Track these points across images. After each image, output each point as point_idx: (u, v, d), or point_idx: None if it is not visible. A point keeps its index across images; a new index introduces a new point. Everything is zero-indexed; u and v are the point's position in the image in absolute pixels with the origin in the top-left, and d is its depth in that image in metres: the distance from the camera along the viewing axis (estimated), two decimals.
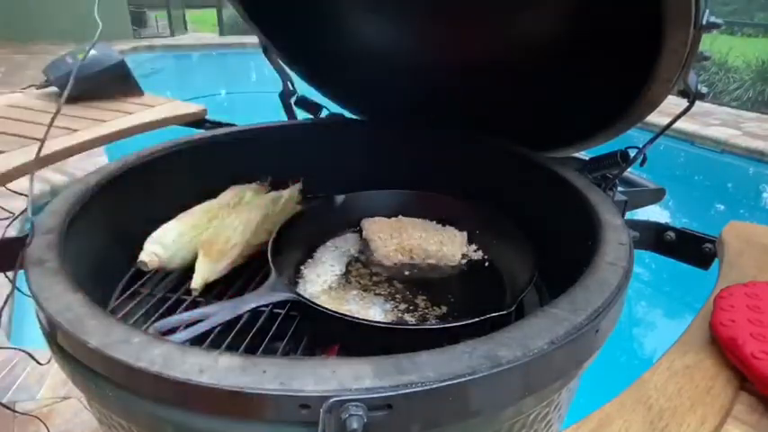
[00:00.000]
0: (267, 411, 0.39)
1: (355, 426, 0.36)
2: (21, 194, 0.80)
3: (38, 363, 0.95)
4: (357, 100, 1.12)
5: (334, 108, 1.11)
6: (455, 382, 0.39)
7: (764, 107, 5.51)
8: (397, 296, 0.73)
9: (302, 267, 0.78)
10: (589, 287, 0.51)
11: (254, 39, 1.06)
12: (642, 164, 0.75)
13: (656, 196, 0.90)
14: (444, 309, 0.71)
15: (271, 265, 0.66)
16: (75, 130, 1.03)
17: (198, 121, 1.25)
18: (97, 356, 0.42)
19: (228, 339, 0.61)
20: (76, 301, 0.48)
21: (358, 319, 0.63)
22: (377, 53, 1.00)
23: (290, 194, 0.92)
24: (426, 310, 0.70)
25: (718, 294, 0.56)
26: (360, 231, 0.88)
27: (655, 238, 0.81)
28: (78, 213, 0.66)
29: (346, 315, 0.61)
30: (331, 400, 0.37)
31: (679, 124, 0.81)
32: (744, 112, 5.43)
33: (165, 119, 1.18)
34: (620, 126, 0.77)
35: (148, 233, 0.73)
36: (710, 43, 5.85)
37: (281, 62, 1.07)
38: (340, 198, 0.90)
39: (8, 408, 1.29)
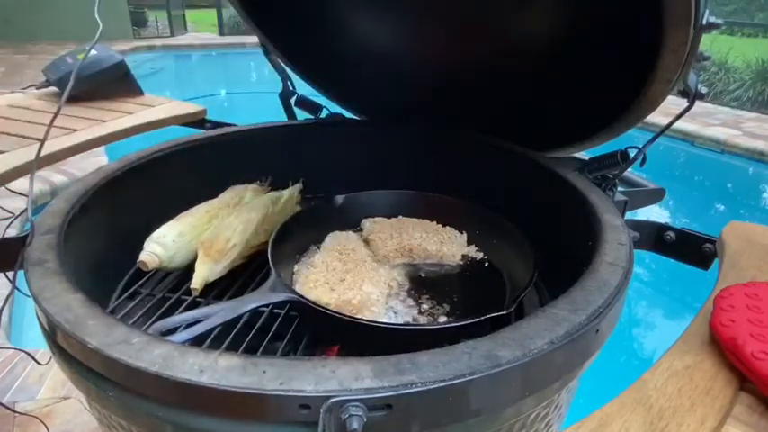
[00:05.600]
0: (267, 411, 0.39)
1: (355, 426, 0.36)
2: (21, 194, 0.80)
3: (38, 363, 0.95)
4: (357, 100, 1.12)
5: (335, 108, 1.11)
6: (455, 382, 0.39)
7: (764, 107, 5.51)
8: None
9: (302, 267, 0.78)
10: (589, 287, 0.51)
11: (254, 39, 1.06)
12: (642, 164, 0.76)
13: (656, 196, 0.90)
14: (444, 309, 0.71)
15: (271, 265, 0.66)
16: (75, 130, 1.03)
17: (198, 121, 1.25)
18: (97, 356, 0.42)
19: (228, 339, 0.61)
20: (76, 301, 0.48)
21: (358, 319, 0.63)
22: (377, 53, 1.00)
23: (290, 194, 0.92)
24: (426, 311, 0.70)
25: (718, 294, 0.56)
26: (360, 231, 0.88)
27: (655, 238, 0.81)
28: (78, 213, 0.66)
29: (346, 315, 0.61)
30: (331, 401, 0.37)
31: (679, 124, 0.81)
32: (744, 112, 5.43)
33: (165, 119, 1.18)
34: (620, 126, 0.77)
35: (148, 233, 0.73)
36: (710, 43, 5.85)
37: (281, 62, 1.07)
38: (340, 198, 0.89)
39: (8, 408, 1.29)
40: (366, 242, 0.85)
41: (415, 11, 0.91)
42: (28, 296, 0.50)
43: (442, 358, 0.41)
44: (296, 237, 0.80)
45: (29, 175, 0.63)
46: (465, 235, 0.87)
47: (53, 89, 1.27)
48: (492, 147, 0.94)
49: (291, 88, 1.10)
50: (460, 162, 0.97)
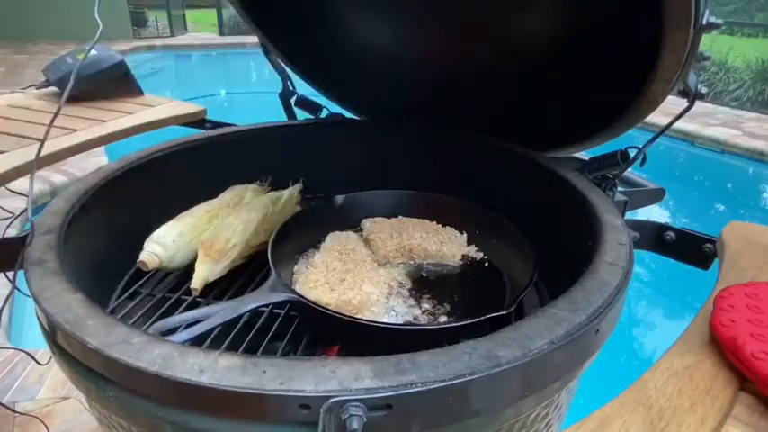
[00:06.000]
0: (267, 412, 0.39)
1: (355, 426, 0.36)
2: (21, 194, 0.80)
3: (38, 363, 0.95)
4: (357, 100, 1.12)
5: (335, 108, 1.11)
6: (455, 382, 0.39)
7: (764, 107, 5.51)
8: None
9: (302, 267, 0.78)
10: (589, 287, 0.51)
11: (254, 39, 1.06)
12: (642, 164, 0.76)
13: (656, 196, 0.90)
14: (444, 309, 0.71)
15: (271, 265, 0.66)
16: (75, 130, 1.03)
17: (198, 121, 1.25)
18: (97, 356, 0.42)
19: (228, 339, 0.61)
20: (76, 301, 0.48)
21: (358, 319, 0.63)
22: (377, 53, 1.00)
23: (290, 194, 0.92)
24: (426, 311, 0.70)
25: (718, 294, 0.56)
26: (360, 231, 0.88)
27: (655, 238, 0.81)
28: (78, 213, 0.66)
29: (346, 315, 0.61)
30: (331, 401, 0.37)
31: (679, 124, 0.81)
32: (744, 112, 5.43)
33: (165, 119, 1.18)
34: (620, 126, 0.77)
35: (148, 233, 0.73)
36: (710, 43, 5.85)
37: (281, 62, 1.07)
38: (340, 198, 0.90)
39: (8, 408, 1.29)
40: (366, 242, 0.85)
41: (415, 11, 0.91)
42: (28, 296, 0.50)
43: (442, 358, 0.41)
44: (296, 237, 0.80)
45: (29, 175, 0.63)
46: (465, 235, 0.87)
47: (53, 89, 1.27)
48: (492, 147, 0.94)
49: (291, 88, 1.10)
50: (460, 162, 0.97)
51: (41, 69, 1.28)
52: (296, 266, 0.78)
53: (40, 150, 0.61)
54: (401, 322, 0.67)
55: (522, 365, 0.42)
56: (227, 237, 0.75)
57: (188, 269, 0.74)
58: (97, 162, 2.73)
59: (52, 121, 0.60)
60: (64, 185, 2.61)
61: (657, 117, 0.68)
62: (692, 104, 0.66)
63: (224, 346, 0.60)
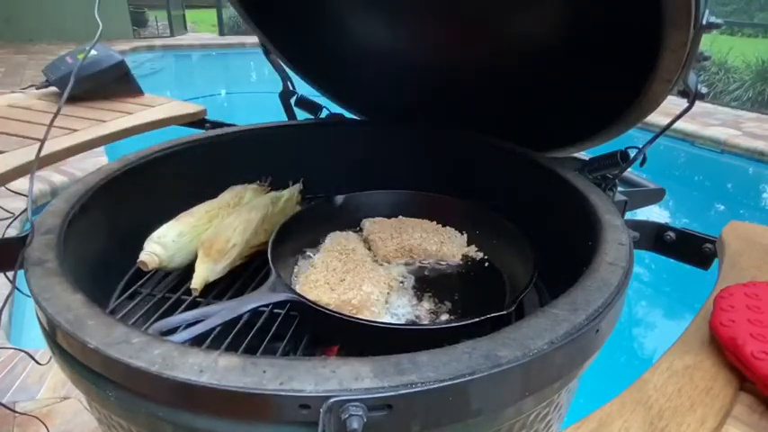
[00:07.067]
0: (267, 412, 0.39)
1: (355, 426, 0.36)
2: (21, 194, 0.80)
3: (38, 363, 0.95)
4: (357, 100, 1.12)
5: (335, 108, 1.11)
6: (455, 382, 0.39)
7: (764, 107, 5.50)
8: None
9: (302, 267, 0.78)
10: (589, 287, 0.51)
11: (254, 39, 1.06)
12: (642, 164, 0.76)
13: (656, 196, 0.90)
14: (444, 309, 0.71)
15: (271, 265, 0.66)
16: (75, 130, 1.03)
17: (198, 121, 1.25)
18: (97, 356, 0.42)
19: (228, 339, 0.61)
20: (76, 301, 0.48)
21: (358, 319, 0.63)
22: (376, 53, 1.00)
23: (289, 194, 0.92)
24: (426, 311, 0.70)
25: (718, 294, 0.56)
26: (360, 231, 0.88)
27: (655, 238, 0.81)
28: (78, 213, 0.66)
29: (346, 315, 0.61)
30: (331, 401, 0.37)
31: (679, 124, 0.81)
32: (744, 112, 5.43)
33: (165, 119, 1.18)
34: (620, 126, 0.77)
35: (148, 233, 0.73)
36: (710, 43, 5.85)
37: (281, 62, 1.07)
38: (340, 198, 0.90)
39: (8, 408, 1.29)
40: (366, 242, 0.85)
41: (415, 11, 0.91)
42: (28, 296, 0.50)
43: (442, 358, 0.41)
44: (296, 237, 0.80)
45: (29, 175, 0.63)
46: (465, 235, 0.87)
47: (53, 89, 1.27)
48: (492, 147, 0.93)
49: (291, 88, 1.10)
50: (460, 162, 0.97)
51: (41, 69, 1.28)
52: (296, 266, 0.78)
53: (40, 150, 0.61)
54: (401, 322, 0.67)
55: (522, 365, 0.42)
56: (227, 237, 0.75)
57: (188, 269, 0.74)
58: (97, 162, 2.73)
59: (52, 121, 0.60)
60: (64, 185, 2.61)
61: (657, 117, 0.68)
62: (691, 104, 0.66)
63: (224, 346, 0.60)
